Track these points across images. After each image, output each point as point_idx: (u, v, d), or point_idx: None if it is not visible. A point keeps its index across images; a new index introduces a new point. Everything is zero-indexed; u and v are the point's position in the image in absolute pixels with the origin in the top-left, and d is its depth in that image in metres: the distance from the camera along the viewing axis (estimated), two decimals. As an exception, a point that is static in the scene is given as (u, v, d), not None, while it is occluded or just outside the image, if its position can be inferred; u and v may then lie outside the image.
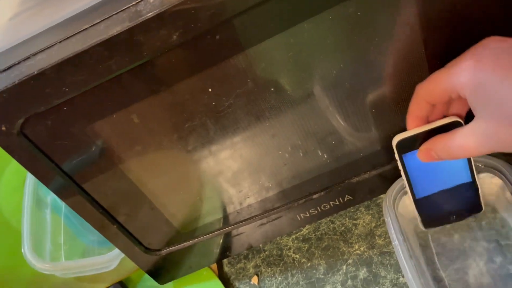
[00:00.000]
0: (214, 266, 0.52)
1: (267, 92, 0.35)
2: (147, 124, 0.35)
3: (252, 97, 0.35)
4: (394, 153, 0.39)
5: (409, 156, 0.39)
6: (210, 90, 0.34)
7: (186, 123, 0.36)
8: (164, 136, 0.37)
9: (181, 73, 0.32)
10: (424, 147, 0.36)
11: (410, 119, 0.36)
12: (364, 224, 0.49)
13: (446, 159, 0.34)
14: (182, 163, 0.40)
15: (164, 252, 0.46)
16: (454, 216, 0.42)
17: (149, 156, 0.38)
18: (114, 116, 0.34)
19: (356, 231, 0.49)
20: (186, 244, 0.46)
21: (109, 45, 0.29)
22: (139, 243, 0.44)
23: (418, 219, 0.42)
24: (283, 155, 0.40)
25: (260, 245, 0.52)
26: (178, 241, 0.46)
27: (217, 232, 0.46)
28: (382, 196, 0.50)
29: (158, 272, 0.49)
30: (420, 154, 0.37)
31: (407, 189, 0.40)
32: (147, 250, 0.45)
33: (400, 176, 0.40)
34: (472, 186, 0.40)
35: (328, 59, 0.34)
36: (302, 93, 0.36)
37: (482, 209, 0.41)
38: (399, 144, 0.38)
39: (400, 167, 0.39)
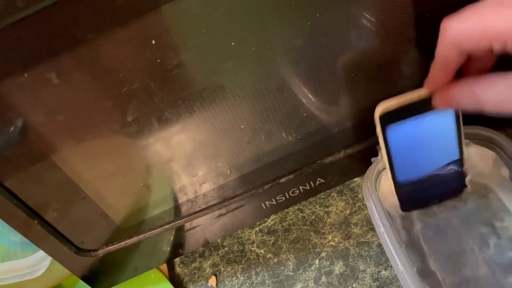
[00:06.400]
0: (164, 267, 0.45)
1: (227, 49, 0.29)
2: (71, 86, 0.28)
3: (207, 55, 0.28)
4: (375, 126, 0.34)
5: (394, 129, 0.34)
6: (153, 41, 0.26)
7: (123, 86, 0.29)
8: (95, 103, 0.29)
9: (115, 16, 0.26)
10: (449, 92, 0.28)
11: (435, 73, 0.28)
12: (337, 211, 0.43)
13: (470, 109, 0.27)
14: (120, 141, 0.32)
15: (101, 252, 0.40)
16: (436, 200, 0.38)
17: (78, 133, 0.31)
18: (26, 75, 0.27)
19: (329, 219, 0.43)
20: (129, 241, 0.40)
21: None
22: (68, 242, 0.38)
23: (397, 202, 0.37)
24: (245, 132, 0.35)
25: (218, 241, 0.45)
26: (119, 239, 0.40)
27: (166, 226, 0.40)
28: (356, 179, 0.44)
29: (94, 277, 0.42)
30: (440, 98, 0.29)
31: (387, 169, 0.36)
32: (80, 250, 0.39)
33: (378, 155, 0.36)
34: (459, 163, 0.36)
35: (291, 21, 0.29)
36: (264, 62, 0.31)
37: (466, 188, 0.37)
38: (384, 114, 0.33)
39: (382, 144, 0.35)
